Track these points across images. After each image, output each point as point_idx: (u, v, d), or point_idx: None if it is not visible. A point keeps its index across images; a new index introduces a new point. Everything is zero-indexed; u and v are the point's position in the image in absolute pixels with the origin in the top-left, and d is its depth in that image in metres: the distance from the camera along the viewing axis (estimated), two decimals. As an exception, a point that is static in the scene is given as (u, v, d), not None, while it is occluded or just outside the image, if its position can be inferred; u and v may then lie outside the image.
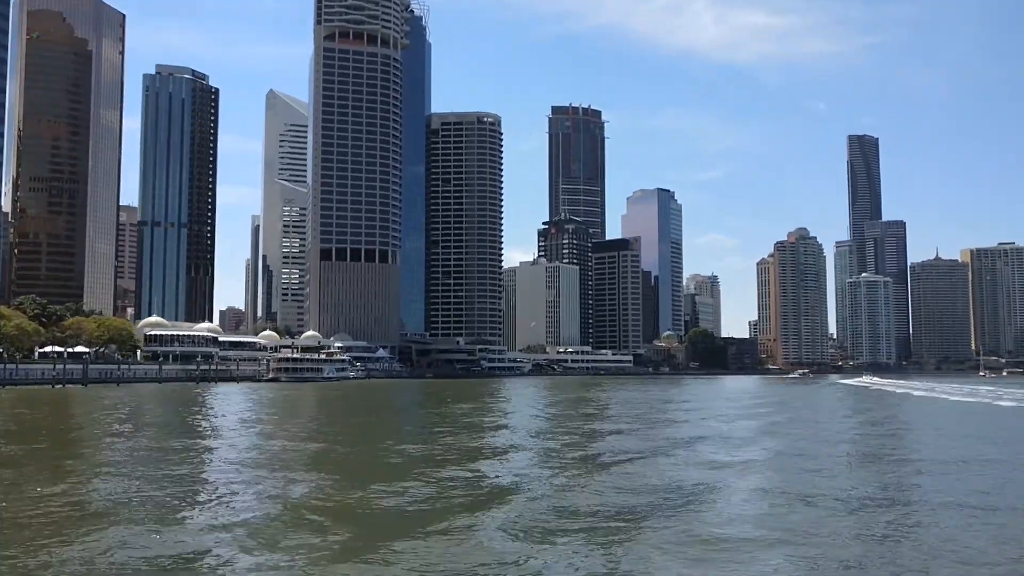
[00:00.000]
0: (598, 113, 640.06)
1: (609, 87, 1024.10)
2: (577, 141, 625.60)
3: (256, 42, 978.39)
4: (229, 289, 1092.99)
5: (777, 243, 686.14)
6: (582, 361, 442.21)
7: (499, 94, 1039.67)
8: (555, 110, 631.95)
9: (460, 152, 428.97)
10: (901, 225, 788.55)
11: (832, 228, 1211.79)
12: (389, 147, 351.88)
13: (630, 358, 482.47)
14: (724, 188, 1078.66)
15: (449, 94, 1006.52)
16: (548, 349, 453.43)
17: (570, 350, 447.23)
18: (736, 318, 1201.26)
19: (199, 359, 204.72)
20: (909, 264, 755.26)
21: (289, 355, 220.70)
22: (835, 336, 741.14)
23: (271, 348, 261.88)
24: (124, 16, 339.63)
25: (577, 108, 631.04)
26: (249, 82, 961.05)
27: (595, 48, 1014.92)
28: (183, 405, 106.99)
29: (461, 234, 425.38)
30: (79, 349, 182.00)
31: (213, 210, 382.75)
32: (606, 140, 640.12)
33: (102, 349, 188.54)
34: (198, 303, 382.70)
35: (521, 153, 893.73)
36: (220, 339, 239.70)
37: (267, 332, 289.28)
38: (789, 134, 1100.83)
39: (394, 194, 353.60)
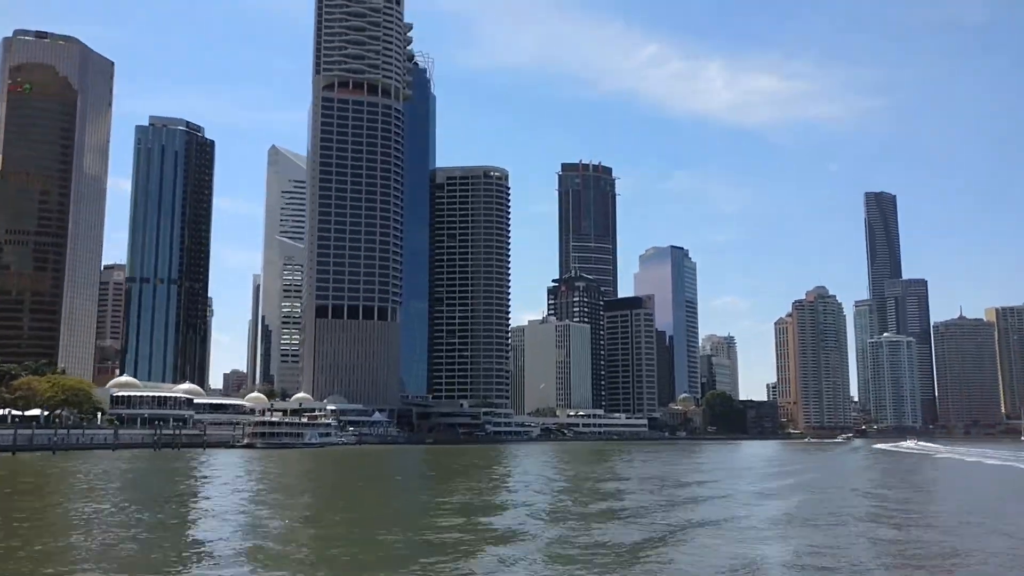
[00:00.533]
0: (608, 170, 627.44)
1: (621, 150, 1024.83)
2: (587, 198, 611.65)
3: (257, 101, 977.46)
4: (233, 351, 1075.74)
5: (795, 302, 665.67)
6: (594, 425, 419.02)
7: (507, 151, 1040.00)
8: (565, 167, 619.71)
9: (466, 207, 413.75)
10: (922, 284, 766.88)
11: (850, 288, 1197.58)
12: (390, 200, 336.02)
13: (645, 422, 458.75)
14: (738, 250, 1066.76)
15: (455, 149, 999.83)
16: (558, 412, 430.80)
17: (581, 413, 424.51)
18: (753, 381, 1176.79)
19: (170, 423, 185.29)
20: (932, 323, 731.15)
21: (267, 419, 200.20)
22: (856, 399, 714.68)
23: (258, 411, 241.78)
24: (113, 64, 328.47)
25: (587, 165, 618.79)
26: (251, 139, 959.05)
27: (607, 112, 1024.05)
28: (82, 480, 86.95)
29: (467, 291, 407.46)
30: (35, 412, 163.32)
31: (206, 266, 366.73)
32: (617, 197, 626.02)
33: (59, 412, 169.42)
34: (191, 364, 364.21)
35: (530, 211, 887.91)
36: (197, 401, 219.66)
37: (254, 394, 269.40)
38: (802, 195, 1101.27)
39: (395, 248, 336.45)
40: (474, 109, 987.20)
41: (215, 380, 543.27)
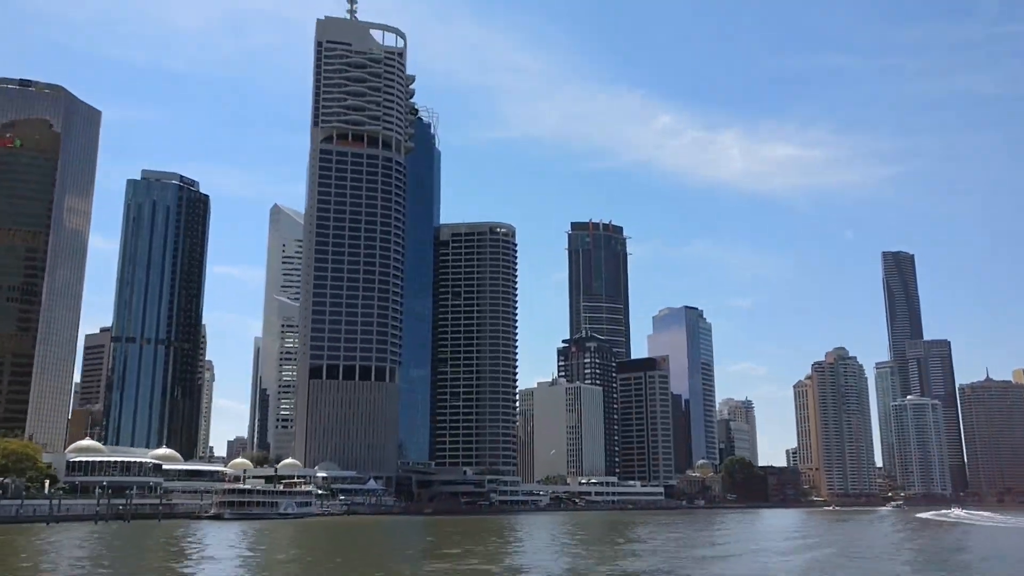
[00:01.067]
0: (619, 229, 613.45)
1: (636, 218, 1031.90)
2: (598, 258, 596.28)
3: (259, 161, 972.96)
4: (238, 418, 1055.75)
5: (815, 364, 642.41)
6: (607, 494, 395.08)
7: (516, 211, 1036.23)
8: (575, 226, 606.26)
9: (472, 264, 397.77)
10: (945, 344, 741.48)
11: (870, 350, 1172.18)
12: (390, 255, 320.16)
13: (661, 490, 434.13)
14: (754, 315, 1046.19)
15: (460, 208, 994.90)
16: (569, 480, 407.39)
17: (594, 481, 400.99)
18: (771, 449, 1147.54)
19: (133, 491, 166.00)
20: (957, 386, 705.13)
21: (237, 486, 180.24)
22: (880, 464, 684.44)
23: (241, 479, 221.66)
24: (100, 113, 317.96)
25: (598, 224, 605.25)
26: (255, 201, 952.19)
27: (622, 181, 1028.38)
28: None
29: (472, 352, 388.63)
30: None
31: (198, 327, 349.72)
32: (629, 256, 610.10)
33: (4, 480, 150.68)
34: (181, 430, 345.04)
35: (540, 272, 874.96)
36: (167, 467, 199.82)
37: (239, 460, 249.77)
38: (819, 261, 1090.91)
39: (394, 306, 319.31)
40: (483, 171, 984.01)
41: (219, 448, 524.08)
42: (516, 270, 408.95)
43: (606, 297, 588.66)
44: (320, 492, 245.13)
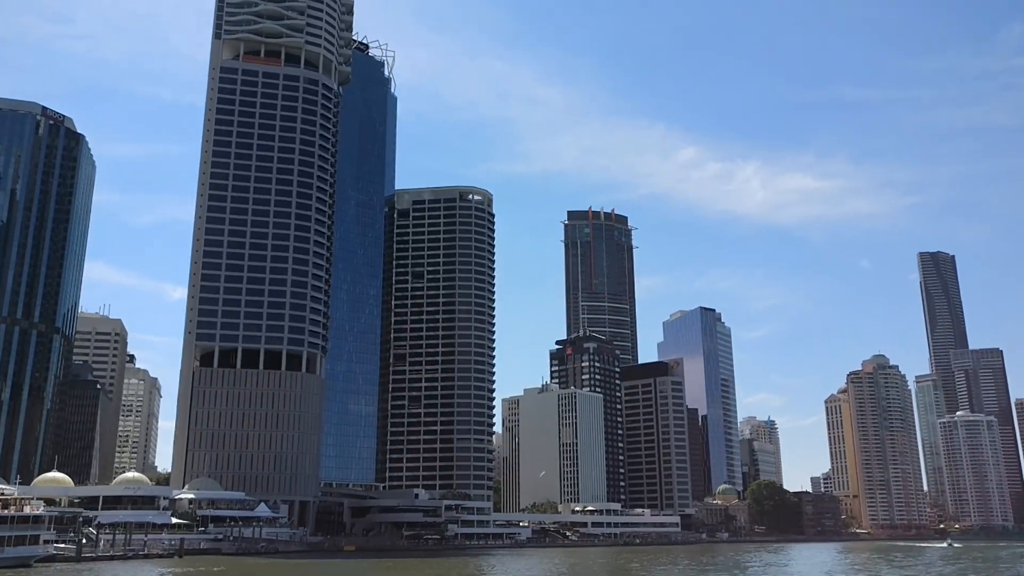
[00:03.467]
0: (624, 219, 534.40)
1: (653, 252, 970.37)
2: (599, 251, 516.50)
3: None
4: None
5: (851, 375, 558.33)
6: (609, 524, 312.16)
7: (503, 194, 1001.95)
8: (572, 215, 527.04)
9: (437, 240, 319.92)
10: (997, 354, 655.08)
11: (906, 364, 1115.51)
12: (312, 209, 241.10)
13: (676, 520, 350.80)
14: (771, 345, 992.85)
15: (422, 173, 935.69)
16: (561, 508, 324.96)
17: (591, 509, 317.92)
18: (794, 477, 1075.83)
19: None
20: (1014, 400, 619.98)
21: None
22: (926, 490, 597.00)
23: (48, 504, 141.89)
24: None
25: (599, 213, 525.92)
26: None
27: (636, 213, 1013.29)
28: None
29: (436, 348, 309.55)
30: None
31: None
32: (635, 250, 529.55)
33: None
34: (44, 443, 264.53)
35: (533, 268, 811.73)
36: None
37: (50, 475, 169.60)
38: (835, 290, 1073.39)
39: (317, 273, 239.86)
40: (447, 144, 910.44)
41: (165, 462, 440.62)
42: (493, 248, 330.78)
43: (609, 296, 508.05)
44: (176, 522, 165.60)
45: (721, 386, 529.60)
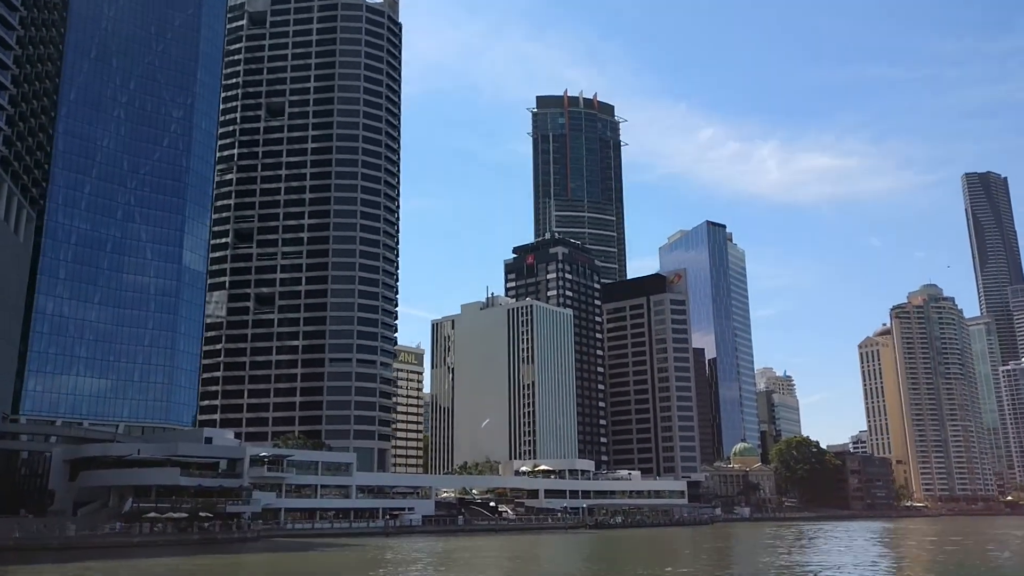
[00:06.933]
0: (610, 108, 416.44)
1: (642, 152, 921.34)
2: (578, 146, 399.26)
3: None
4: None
5: (895, 308, 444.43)
6: (575, 494, 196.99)
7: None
8: (542, 101, 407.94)
9: (306, 59, 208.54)
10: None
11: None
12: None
13: (682, 488, 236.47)
14: (782, 324, 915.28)
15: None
16: (502, 469, 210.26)
17: (544, 469, 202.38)
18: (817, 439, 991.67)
19: None
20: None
21: None
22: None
23: None
24: None
25: (577, 99, 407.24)
26: None
27: (649, 195, 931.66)
28: None
29: (301, 222, 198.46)
30: None
31: None
32: (623, 148, 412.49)
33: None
34: None
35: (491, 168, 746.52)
36: None
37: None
38: (846, 267, 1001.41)
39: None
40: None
41: None
42: (397, 76, 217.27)
43: (589, 203, 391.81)
44: None
45: (735, 318, 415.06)
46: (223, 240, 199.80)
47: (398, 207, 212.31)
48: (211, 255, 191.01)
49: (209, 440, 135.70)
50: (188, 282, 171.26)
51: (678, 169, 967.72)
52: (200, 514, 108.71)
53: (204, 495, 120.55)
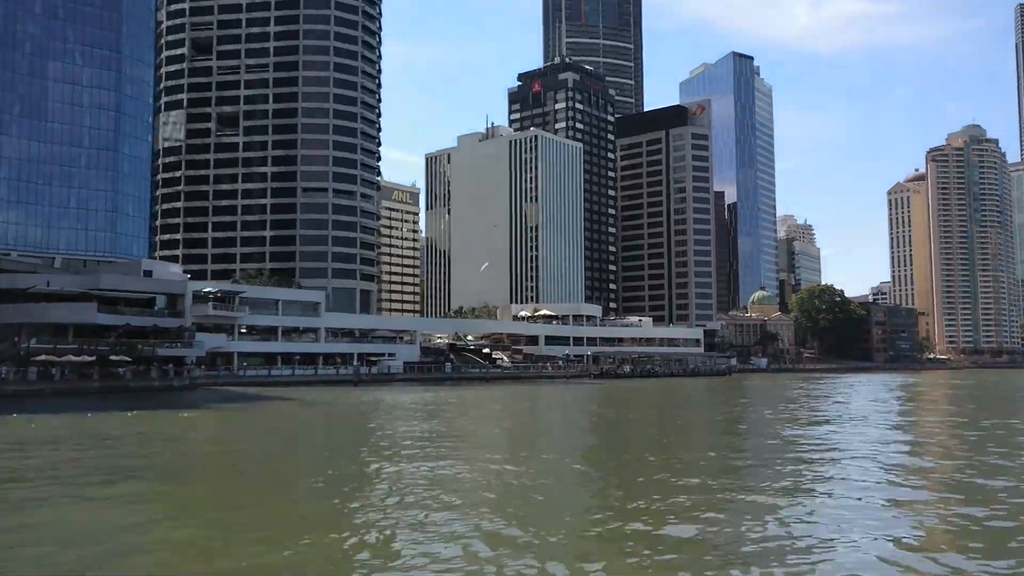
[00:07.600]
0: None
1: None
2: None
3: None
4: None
5: (932, 151, 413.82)
6: (579, 341, 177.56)
7: None
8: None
9: None
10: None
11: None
12: None
13: (698, 336, 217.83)
14: (804, 175, 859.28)
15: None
16: (500, 314, 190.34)
17: (545, 313, 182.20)
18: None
19: None
20: None
21: None
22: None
23: None
24: None
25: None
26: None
27: (667, 43, 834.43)
28: None
29: (265, 28, 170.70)
30: None
31: None
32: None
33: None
34: None
35: None
36: None
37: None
38: (873, 119, 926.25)
39: None
40: None
41: None
42: None
43: (604, 30, 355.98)
44: None
45: (759, 162, 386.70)
46: (179, 51, 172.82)
47: (380, 14, 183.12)
48: (166, 69, 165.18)
49: (149, 273, 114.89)
50: (131, 94, 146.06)
51: (702, 11, 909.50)
52: (111, 358, 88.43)
53: (135, 336, 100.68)
